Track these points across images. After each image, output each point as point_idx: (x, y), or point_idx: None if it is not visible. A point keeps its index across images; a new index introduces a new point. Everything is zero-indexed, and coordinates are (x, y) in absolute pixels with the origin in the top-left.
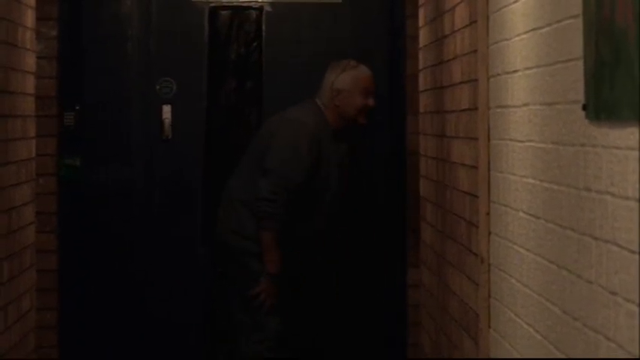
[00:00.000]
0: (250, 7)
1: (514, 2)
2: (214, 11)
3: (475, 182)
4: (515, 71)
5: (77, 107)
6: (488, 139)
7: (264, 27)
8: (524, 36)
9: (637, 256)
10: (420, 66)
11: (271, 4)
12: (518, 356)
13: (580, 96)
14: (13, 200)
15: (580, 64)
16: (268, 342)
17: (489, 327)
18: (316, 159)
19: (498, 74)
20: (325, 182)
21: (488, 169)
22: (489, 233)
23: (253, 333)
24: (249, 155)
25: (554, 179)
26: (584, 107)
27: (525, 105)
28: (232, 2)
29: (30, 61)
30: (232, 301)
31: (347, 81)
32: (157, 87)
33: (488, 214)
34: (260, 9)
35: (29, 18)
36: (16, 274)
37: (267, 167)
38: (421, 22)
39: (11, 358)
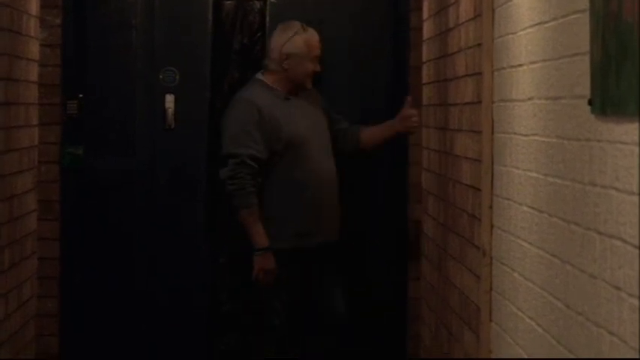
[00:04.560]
0: None
1: None
2: (218, 1)
3: (478, 175)
4: (520, 65)
5: (80, 95)
6: (492, 133)
7: (267, 18)
8: (529, 30)
9: None
10: (424, 58)
11: None
12: (520, 350)
13: (586, 91)
14: (15, 188)
15: (586, 58)
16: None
17: (491, 320)
18: (269, 124)
19: (503, 68)
20: (299, 137)
21: (492, 163)
22: (492, 227)
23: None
24: None
25: (559, 173)
26: (590, 102)
27: (530, 99)
28: None
29: (34, 49)
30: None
31: (298, 45)
32: (160, 76)
33: (490, 207)
34: None
35: (33, 5)
36: (17, 262)
37: (221, 152)
38: (425, 14)
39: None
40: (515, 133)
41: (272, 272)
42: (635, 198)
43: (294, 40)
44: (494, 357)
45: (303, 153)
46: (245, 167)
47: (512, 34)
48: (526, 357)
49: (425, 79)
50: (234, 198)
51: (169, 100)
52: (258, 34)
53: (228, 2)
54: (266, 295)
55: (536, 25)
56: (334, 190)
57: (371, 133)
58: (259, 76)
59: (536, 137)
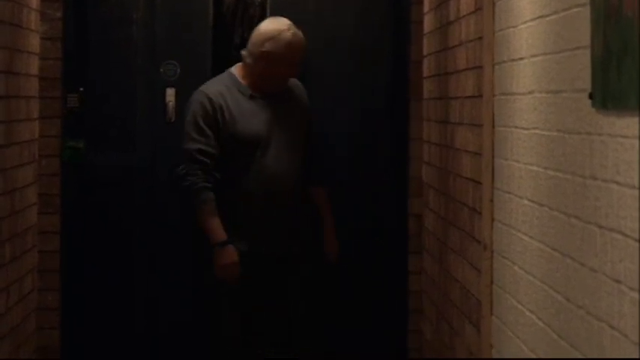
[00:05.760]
0: None
1: None
2: None
3: (479, 169)
4: (521, 58)
5: (81, 89)
6: (493, 126)
7: (268, 11)
8: (530, 23)
9: None
10: (425, 52)
11: None
12: (521, 344)
13: (587, 84)
14: (15, 181)
15: (587, 52)
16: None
17: (492, 314)
18: (220, 118)
19: (504, 61)
20: (253, 137)
21: (493, 156)
22: (493, 220)
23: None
24: None
25: (560, 167)
26: (591, 96)
27: (531, 92)
28: None
29: (34, 42)
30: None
31: (279, 46)
32: (161, 70)
33: (491, 201)
34: None
35: None
36: (18, 255)
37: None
38: (426, 7)
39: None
40: (515, 127)
41: (234, 267)
42: (636, 192)
43: (277, 40)
44: (495, 351)
45: (255, 155)
46: (194, 163)
47: (513, 27)
48: (527, 350)
49: (426, 73)
50: (188, 196)
51: (170, 94)
52: None
53: None
54: (223, 303)
55: (537, 18)
56: (290, 197)
57: (318, 201)
58: (233, 68)
59: (536, 131)
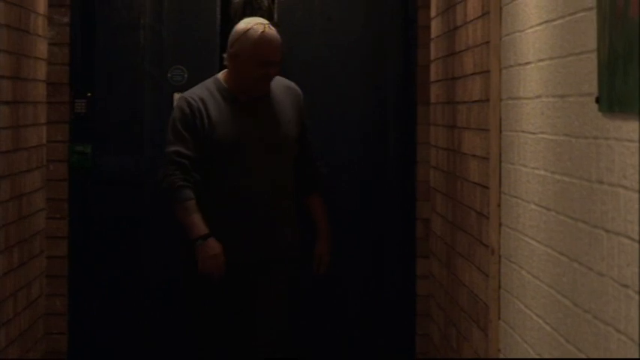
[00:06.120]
0: None
1: None
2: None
3: (486, 173)
4: (527, 63)
5: (88, 94)
6: (500, 131)
7: (275, 15)
8: (537, 28)
9: None
10: (432, 56)
11: None
12: (528, 348)
13: (593, 88)
14: (23, 186)
15: (593, 56)
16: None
17: (499, 318)
18: (200, 123)
19: (511, 66)
20: (234, 140)
21: (500, 161)
22: (500, 225)
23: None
24: None
25: (566, 171)
26: (597, 99)
27: (538, 97)
28: None
29: (42, 48)
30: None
31: (245, 46)
32: (169, 75)
33: (499, 205)
34: None
35: (41, 4)
36: (26, 261)
37: None
38: (433, 12)
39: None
40: (522, 131)
41: (217, 259)
42: None
43: (244, 39)
44: (502, 355)
45: (237, 159)
46: (172, 164)
47: (520, 31)
48: (534, 354)
49: (433, 77)
50: (167, 197)
51: (177, 98)
52: None
53: (237, 0)
54: (196, 316)
55: (544, 23)
56: (273, 204)
57: (312, 210)
58: (220, 73)
59: (543, 135)
